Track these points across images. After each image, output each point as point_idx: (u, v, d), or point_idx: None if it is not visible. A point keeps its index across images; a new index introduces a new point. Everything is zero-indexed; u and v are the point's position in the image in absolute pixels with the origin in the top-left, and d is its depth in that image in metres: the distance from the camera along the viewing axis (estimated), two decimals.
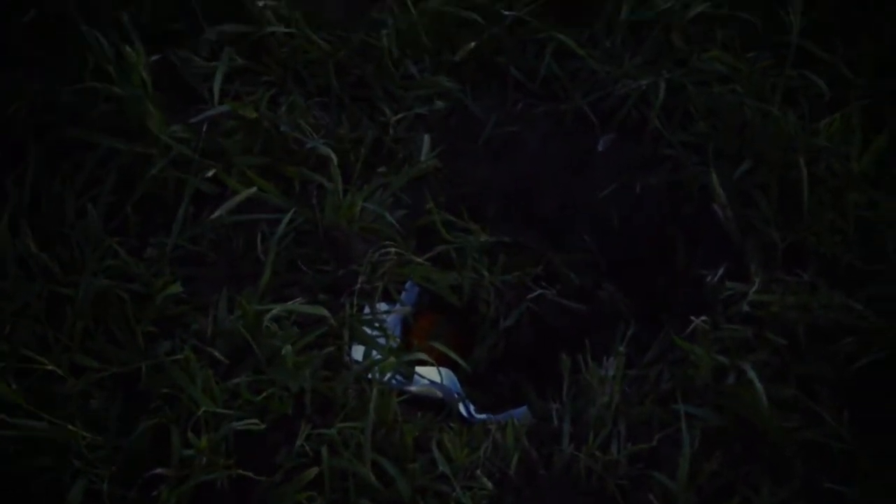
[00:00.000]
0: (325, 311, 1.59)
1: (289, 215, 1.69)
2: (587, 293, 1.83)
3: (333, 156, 1.76)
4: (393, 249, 1.70)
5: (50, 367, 1.51)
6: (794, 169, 1.72)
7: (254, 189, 1.72)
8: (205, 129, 1.78)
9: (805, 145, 1.74)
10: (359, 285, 1.65)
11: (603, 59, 1.94)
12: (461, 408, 1.62)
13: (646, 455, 1.51)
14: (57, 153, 1.77)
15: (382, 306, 1.67)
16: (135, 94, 1.75)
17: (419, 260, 1.73)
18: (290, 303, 1.60)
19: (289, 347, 1.53)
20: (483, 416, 1.62)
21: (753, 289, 1.63)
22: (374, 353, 1.58)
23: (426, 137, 1.86)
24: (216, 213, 1.71)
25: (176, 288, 1.60)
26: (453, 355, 1.63)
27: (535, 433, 1.54)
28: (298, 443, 1.47)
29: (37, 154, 1.76)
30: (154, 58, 1.82)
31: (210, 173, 1.73)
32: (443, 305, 1.79)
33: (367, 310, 1.65)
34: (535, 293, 1.80)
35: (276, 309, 1.57)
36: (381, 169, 1.84)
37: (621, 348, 1.61)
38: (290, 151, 1.82)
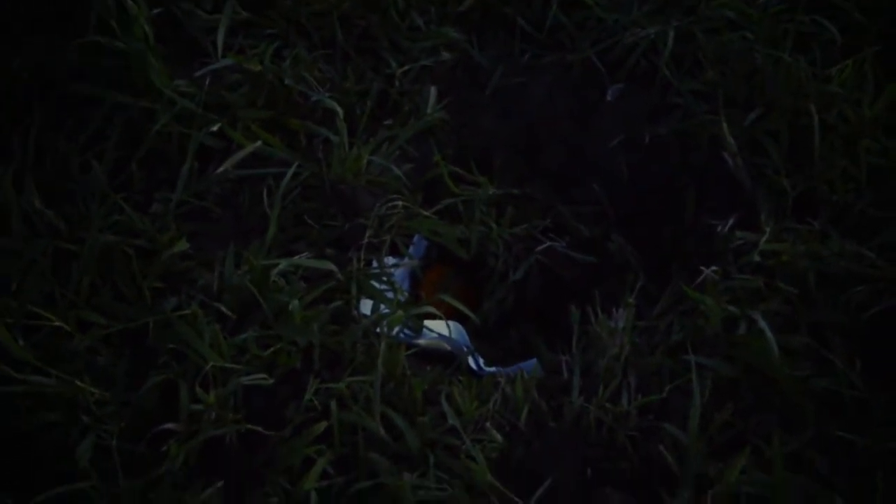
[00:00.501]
0: (331, 266, 1.58)
1: (293, 169, 1.67)
2: (596, 244, 1.81)
3: (339, 109, 1.74)
4: (400, 203, 1.69)
5: (57, 323, 1.50)
6: (805, 116, 1.70)
7: (259, 143, 1.71)
8: (208, 82, 1.76)
9: (817, 92, 1.72)
10: (366, 239, 1.64)
11: (610, 7, 1.92)
12: (470, 361, 1.62)
13: (656, 406, 1.50)
14: (61, 109, 1.76)
15: (390, 260, 1.66)
16: (137, 47, 1.73)
17: (426, 213, 1.72)
18: (296, 257, 1.60)
19: (296, 302, 1.52)
20: (492, 369, 1.62)
21: (764, 238, 1.62)
22: (383, 306, 1.57)
23: (432, 90, 1.84)
24: (221, 168, 1.70)
25: (182, 244, 1.59)
26: (462, 308, 1.62)
27: (544, 385, 1.54)
28: (307, 397, 1.47)
29: (41, 110, 1.74)
30: (156, 11, 1.80)
31: (215, 127, 1.72)
32: (451, 259, 1.78)
33: (374, 264, 1.64)
34: (544, 245, 1.79)
35: (283, 264, 1.56)
36: (388, 122, 1.83)
37: (631, 299, 1.60)
38: (295, 105, 1.80)
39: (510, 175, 1.86)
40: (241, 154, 1.70)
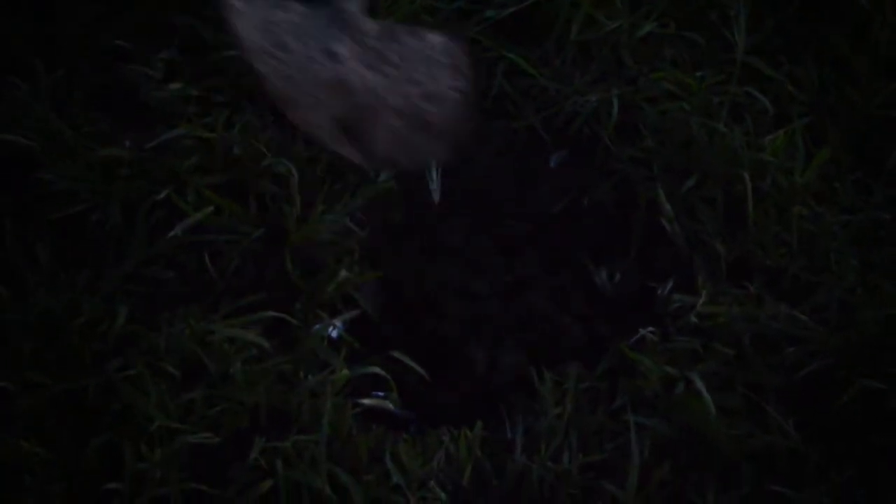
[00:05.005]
0: (265, 343, 1.60)
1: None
2: None
3: (294, 171, 1.77)
4: (352, 266, 1.72)
5: (2, 384, 1.51)
6: (739, 183, 1.76)
7: (210, 209, 1.73)
8: (159, 149, 1.79)
9: (750, 160, 1.78)
10: (317, 299, 1.67)
11: (553, 77, 1.97)
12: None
13: (597, 465, 1.53)
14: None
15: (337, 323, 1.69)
16: None
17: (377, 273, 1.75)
18: (241, 318, 1.62)
19: (238, 365, 1.54)
20: None
21: (701, 301, 1.66)
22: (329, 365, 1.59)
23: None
24: (171, 233, 1.72)
25: (121, 318, 1.60)
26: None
27: (487, 444, 1.56)
28: (253, 456, 1.48)
29: None
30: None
31: (161, 195, 1.73)
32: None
33: (321, 325, 1.66)
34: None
35: (224, 331, 1.58)
36: (337, 187, 1.85)
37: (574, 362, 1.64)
38: (246, 170, 1.83)
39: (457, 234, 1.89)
40: (192, 220, 1.72)
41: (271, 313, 1.65)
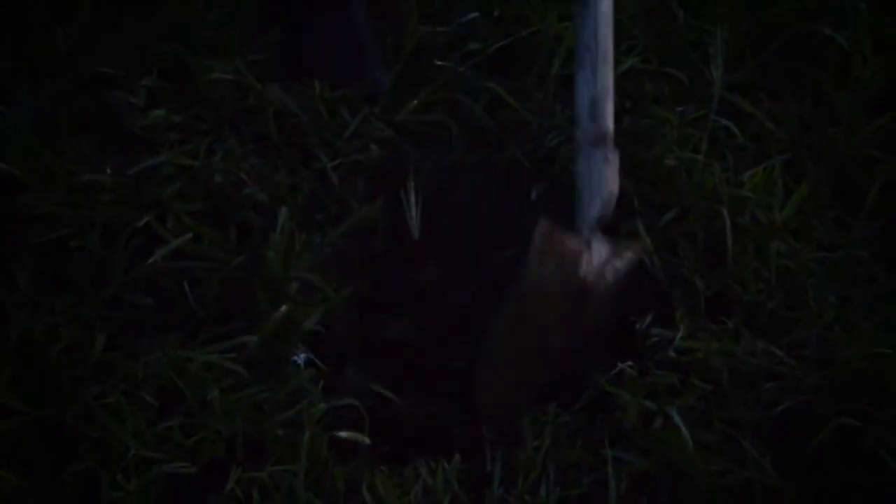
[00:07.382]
0: (243, 371, 1.60)
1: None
2: None
3: (275, 200, 1.77)
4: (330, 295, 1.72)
5: None
6: (718, 218, 1.77)
7: (189, 236, 1.74)
8: (139, 175, 1.79)
9: (729, 196, 1.79)
10: (295, 329, 1.67)
11: (535, 110, 1.98)
12: None
13: (574, 499, 1.54)
14: None
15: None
16: None
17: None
18: (220, 346, 1.62)
19: (216, 392, 1.54)
20: None
21: (679, 335, 1.67)
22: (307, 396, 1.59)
23: (362, 188, 1.88)
24: (151, 259, 1.72)
25: (99, 344, 1.60)
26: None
27: (465, 476, 1.56)
28: (229, 486, 1.48)
29: None
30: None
31: (141, 222, 1.73)
32: None
33: (298, 356, 1.66)
34: None
35: (202, 359, 1.58)
36: (319, 216, 1.86)
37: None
38: (227, 198, 1.83)
39: (438, 269, 1.90)
40: (171, 246, 1.72)
41: (249, 341, 1.65)
